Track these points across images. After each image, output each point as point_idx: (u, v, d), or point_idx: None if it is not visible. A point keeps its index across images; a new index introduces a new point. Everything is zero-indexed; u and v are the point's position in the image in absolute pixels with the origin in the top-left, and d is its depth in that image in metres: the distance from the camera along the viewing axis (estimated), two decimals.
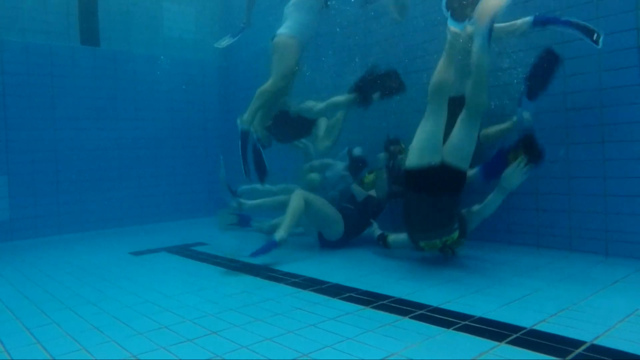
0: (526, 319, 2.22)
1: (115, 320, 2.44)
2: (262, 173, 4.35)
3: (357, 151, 4.52)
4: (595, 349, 1.88)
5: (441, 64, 3.15)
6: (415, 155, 3.15)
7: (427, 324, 2.22)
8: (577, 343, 1.93)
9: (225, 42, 5.52)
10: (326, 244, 4.21)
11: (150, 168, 6.18)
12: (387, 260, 3.59)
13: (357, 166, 4.46)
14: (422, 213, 3.19)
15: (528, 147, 3.16)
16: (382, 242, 3.83)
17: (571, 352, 1.85)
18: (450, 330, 2.13)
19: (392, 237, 3.76)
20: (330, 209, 4.08)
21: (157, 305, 2.67)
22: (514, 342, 1.97)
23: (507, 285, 2.80)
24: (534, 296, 2.58)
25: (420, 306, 2.47)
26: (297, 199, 3.87)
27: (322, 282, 3.03)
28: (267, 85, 4.29)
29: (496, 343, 1.97)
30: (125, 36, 6.06)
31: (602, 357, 1.80)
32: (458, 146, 3.10)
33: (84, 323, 2.41)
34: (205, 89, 6.77)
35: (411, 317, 2.32)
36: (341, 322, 2.31)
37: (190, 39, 6.66)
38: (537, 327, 2.12)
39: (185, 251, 4.32)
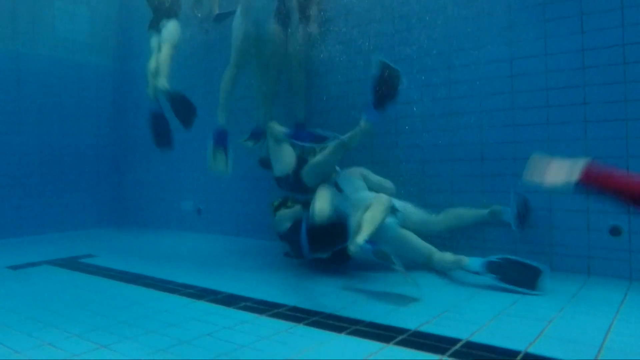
0: (411, 322, 2.38)
1: None
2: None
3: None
4: (470, 345, 2.08)
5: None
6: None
7: (321, 330, 2.31)
8: (454, 341, 2.12)
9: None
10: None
11: (34, 176, 5.71)
12: (280, 271, 3.62)
13: None
14: None
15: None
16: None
17: (449, 349, 2.03)
18: (342, 335, 2.23)
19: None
20: None
21: (39, 322, 2.50)
22: (400, 343, 2.12)
23: (395, 292, 2.97)
24: (420, 300, 2.77)
25: (314, 313, 2.55)
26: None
27: (216, 292, 3.01)
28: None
29: (384, 344, 2.10)
30: (10, 34, 5.58)
31: (476, 352, 2.00)
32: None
33: None
34: (99, 94, 6.40)
35: (305, 324, 2.39)
36: (237, 330, 2.32)
37: (84, 41, 6.28)
38: (421, 329, 2.29)
39: (73, 264, 4.05)
